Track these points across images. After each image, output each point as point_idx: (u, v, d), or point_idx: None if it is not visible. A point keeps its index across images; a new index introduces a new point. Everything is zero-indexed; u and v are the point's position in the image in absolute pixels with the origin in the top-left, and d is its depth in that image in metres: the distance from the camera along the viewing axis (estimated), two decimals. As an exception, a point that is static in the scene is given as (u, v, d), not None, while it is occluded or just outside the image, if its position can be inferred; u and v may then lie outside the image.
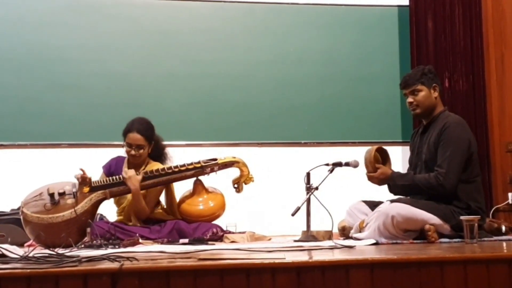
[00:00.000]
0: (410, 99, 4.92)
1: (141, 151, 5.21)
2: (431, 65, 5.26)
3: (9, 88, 6.60)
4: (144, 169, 5.23)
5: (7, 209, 6.12)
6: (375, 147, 4.89)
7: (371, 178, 4.87)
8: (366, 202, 5.03)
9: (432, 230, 4.43)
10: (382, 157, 4.96)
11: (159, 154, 5.44)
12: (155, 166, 5.27)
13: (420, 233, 4.52)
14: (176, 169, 5.16)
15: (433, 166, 4.71)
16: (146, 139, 5.22)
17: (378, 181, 4.87)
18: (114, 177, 5.08)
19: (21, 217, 4.89)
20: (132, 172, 5.08)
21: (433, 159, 4.73)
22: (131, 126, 5.22)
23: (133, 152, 5.19)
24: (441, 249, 3.76)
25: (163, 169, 5.13)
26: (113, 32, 6.87)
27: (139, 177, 5.07)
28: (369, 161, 4.83)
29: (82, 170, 5.01)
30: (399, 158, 6.60)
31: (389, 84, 7.09)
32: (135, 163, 5.26)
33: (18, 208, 5.14)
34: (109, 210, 5.53)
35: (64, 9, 6.79)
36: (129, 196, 5.19)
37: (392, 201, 4.70)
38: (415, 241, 4.42)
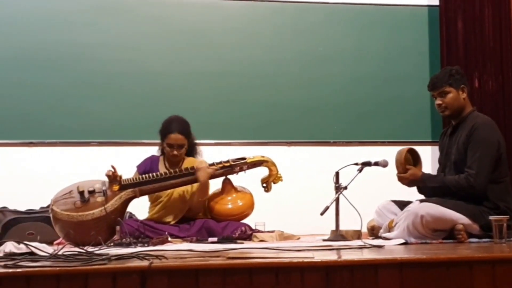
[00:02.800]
0: (438, 101, 4.90)
1: (183, 150, 5.26)
2: (459, 66, 5.23)
3: (40, 87, 6.65)
4: (181, 165, 5.26)
5: (36, 207, 6.17)
6: (406, 148, 4.87)
7: (401, 179, 4.85)
8: (395, 201, 5.01)
9: (463, 230, 4.42)
10: (413, 159, 4.93)
11: (191, 149, 5.45)
12: (191, 162, 5.28)
13: (449, 233, 4.49)
14: (206, 168, 5.18)
15: (462, 167, 4.68)
16: (186, 138, 5.26)
17: (408, 182, 4.85)
18: (144, 175, 5.09)
19: (51, 215, 4.91)
20: (204, 163, 5.13)
21: (462, 160, 4.71)
22: (171, 127, 5.25)
23: (175, 152, 5.22)
24: (470, 249, 3.75)
25: (192, 168, 5.12)
26: (143, 31, 6.90)
27: (211, 170, 5.13)
28: (400, 162, 4.81)
29: (113, 167, 5.02)
30: (429, 158, 6.56)
31: (418, 84, 7.04)
32: (173, 161, 5.28)
33: (48, 206, 5.17)
34: (139, 209, 5.55)
35: (95, 9, 6.83)
36: (168, 191, 5.20)
37: (421, 200, 4.68)
38: (444, 241, 4.40)
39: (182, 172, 5.11)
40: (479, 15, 7.18)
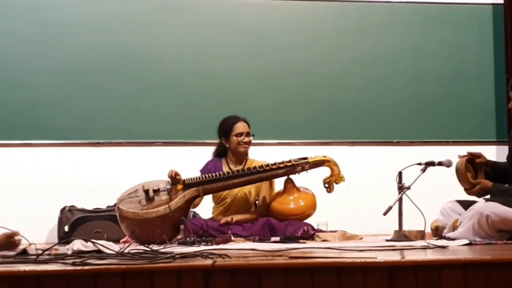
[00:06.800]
0: (510, 105, 4.82)
1: (252, 137, 5.36)
2: None
3: (105, 88, 6.72)
4: (244, 166, 5.31)
5: (103, 206, 6.28)
6: (463, 164, 4.80)
7: (471, 194, 4.81)
8: (460, 201, 4.95)
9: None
10: (472, 166, 4.88)
11: None
12: (253, 163, 5.32)
13: (515, 234, 4.44)
14: (268, 168, 5.17)
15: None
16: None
17: (478, 195, 4.79)
18: (207, 175, 5.14)
19: (117, 213, 4.99)
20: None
21: None
22: (234, 119, 5.39)
23: (246, 139, 5.32)
24: (536, 250, 3.70)
25: (254, 168, 5.16)
26: (206, 32, 6.93)
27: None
28: (463, 180, 4.77)
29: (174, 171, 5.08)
30: (494, 158, 6.44)
31: (483, 83, 6.99)
32: (242, 154, 5.34)
33: (114, 205, 5.26)
34: (203, 208, 5.60)
35: (157, 9, 6.88)
36: (233, 193, 5.26)
37: (486, 200, 4.62)
38: (509, 242, 4.34)
39: (244, 171, 5.14)
40: (545, 13, 7.06)
